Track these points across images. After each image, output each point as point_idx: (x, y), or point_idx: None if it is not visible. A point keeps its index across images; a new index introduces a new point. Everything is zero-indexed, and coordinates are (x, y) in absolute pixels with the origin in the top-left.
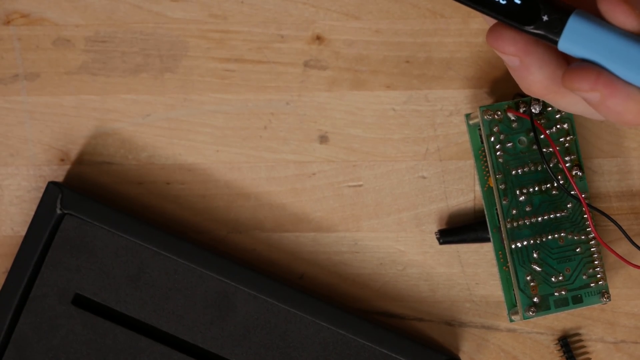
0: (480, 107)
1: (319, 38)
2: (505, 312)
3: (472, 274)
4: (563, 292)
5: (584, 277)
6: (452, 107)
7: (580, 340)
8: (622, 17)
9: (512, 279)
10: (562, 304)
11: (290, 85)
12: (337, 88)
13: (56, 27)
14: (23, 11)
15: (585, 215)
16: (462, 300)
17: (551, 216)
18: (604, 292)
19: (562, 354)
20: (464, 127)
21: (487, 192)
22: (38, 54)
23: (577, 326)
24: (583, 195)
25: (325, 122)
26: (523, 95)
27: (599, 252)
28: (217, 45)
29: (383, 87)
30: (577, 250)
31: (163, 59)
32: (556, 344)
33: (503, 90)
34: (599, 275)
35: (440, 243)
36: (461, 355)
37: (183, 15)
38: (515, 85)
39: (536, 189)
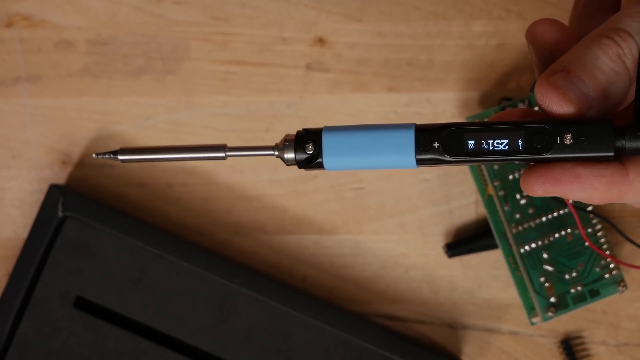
0: (467, 117)
1: (321, 40)
2: (506, 314)
3: (474, 276)
4: (579, 288)
5: (597, 269)
6: (454, 110)
7: (583, 343)
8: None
9: (526, 282)
10: (580, 299)
11: (292, 87)
12: (339, 90)
13: (58, 29)
14: (25, 13)
15: (589, 208)
16: (464, 303)
17: (555, 214)
18: (619, 281)
19: (564, 356)
20: None
21: (488, 200)
22: (40, 56)
23: (579, 329)
24: None
25: (327, 124)
26: (509, 98)
27: (608, 243)
28: (219, 48)
29: (385, 90)
30: (586, 244)
31: (165, 61)
32: (558, 346)
33: (504, 92)
34: (612, 265)
35: (449, 257)
36: (463, 358)
37: (185, 18)
38: (514, 88)
39: None
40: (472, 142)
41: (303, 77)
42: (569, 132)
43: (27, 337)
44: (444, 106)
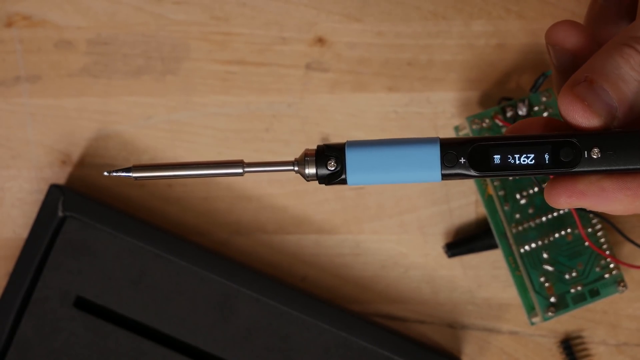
0: (467, 117)
1: (320, 40)
2: (506, 314)
3: (474, 276)
4: (579, 288)
5: (597, 269)
6: (454, 110)
7: (583, 343)
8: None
9: (526, 282)
10: (580, 299)
11: (292, 87)
12: (339, 90)
13: (58, 29)
14: (25, 13)
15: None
16: (464, 303)
17: (555, 214)
18: (619, 281)
19: (565, 356)
20: (467, 130)
21: (488, 200)
22: (40, 56)
23: (579, 328)
24: None
25: (327, 124)
26: (509, 98)
27: (608, 243)
28: (218, 48)
29: (385, 90)
30: (586, 244)
31: (165, 61)
32: (558, 346)
33: (504, 92)
34: (612, 265)
35: (449, 256)
36: (463, 358)
37: (185, 18)
38: (514, 88)
39: (536, 189)
40: (498, 156)
41: (303, 77)
42: (596, 147)
43: (27, 337)
44: (444, 106)
